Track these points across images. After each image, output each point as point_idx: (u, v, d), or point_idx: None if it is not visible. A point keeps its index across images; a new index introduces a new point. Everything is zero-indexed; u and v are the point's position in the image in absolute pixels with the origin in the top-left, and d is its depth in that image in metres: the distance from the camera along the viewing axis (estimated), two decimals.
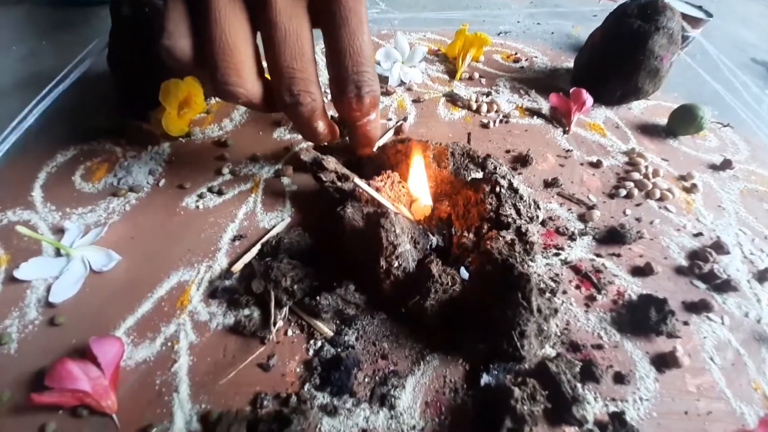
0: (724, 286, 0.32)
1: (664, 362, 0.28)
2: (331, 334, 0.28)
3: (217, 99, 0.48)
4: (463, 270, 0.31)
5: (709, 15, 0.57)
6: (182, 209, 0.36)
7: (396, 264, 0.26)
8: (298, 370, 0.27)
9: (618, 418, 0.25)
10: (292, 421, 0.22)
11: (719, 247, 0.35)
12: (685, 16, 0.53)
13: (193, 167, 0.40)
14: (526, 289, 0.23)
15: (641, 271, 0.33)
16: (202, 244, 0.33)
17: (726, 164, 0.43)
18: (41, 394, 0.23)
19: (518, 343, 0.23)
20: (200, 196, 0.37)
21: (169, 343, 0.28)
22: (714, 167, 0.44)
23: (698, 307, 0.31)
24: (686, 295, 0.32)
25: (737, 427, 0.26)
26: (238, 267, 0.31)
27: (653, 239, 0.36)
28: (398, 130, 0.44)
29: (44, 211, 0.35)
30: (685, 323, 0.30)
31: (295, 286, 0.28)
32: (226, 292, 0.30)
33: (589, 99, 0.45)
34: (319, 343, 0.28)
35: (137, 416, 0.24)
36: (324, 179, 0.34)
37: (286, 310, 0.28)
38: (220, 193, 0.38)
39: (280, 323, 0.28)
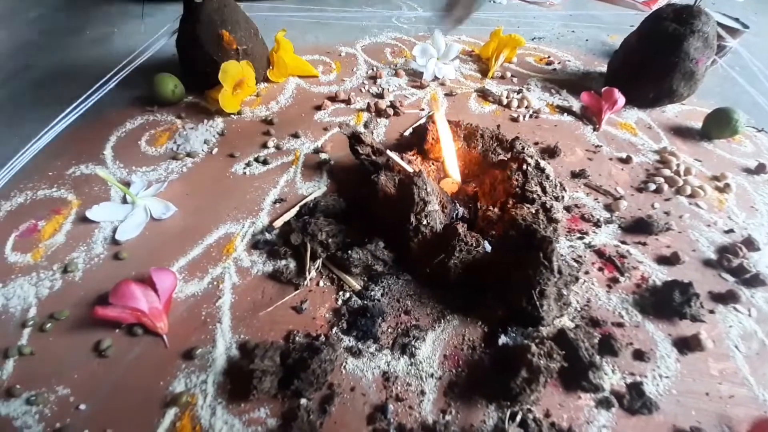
0: (753, 280, 0.32)
1: (686, 345, 0.28)
2: (359, 287, 0.30)
3: (267, 84, 0.52)
4: (486, 243, 0.32)
5: (746, 26, 0.57)
6: (231, 174, 0.40)
7: (425, 222, 0.28)
8: (327, 315, 0.29)
9: (636, 388, 0.25)
10: (322, 350, 0.24)
11: (750, 243, 0.34)
12: (721, 26, 0.53)
13: (242, 140, 0.44)
14: (548, 250, 0.24)
15: (667, 260, 0.33)
16: (247, 203, 0.37)
17: (761, 168, 0.42)
18: (104, 307, 0.27)
19: (538, 302, 0.25)
20: (247, 165, 0.41)
21: (215, 282, 0.31)
22: (748, 171, 0.43)
23: (725, 298, 0.31)
24: (713, 286, 0.32)
25: (760, 413, 0.25)
26: (278, 223, 0.34)
27: (681, 232, 0.36)
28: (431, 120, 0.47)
29: (114, 167, 0.40)
30: (711, 311, 0.30)
31: (330, 240, 0.30)
32: (267, 245, 0.33)
33: (621, 98, 0.46)
34: (347, 295, 0.30)
35: (184, 339, 0.27)
36: (360, 152, 0.36)
37: (319, 262, 0.31)
38: (265, 162, 0.41)
39: (313, 273, 0.31)
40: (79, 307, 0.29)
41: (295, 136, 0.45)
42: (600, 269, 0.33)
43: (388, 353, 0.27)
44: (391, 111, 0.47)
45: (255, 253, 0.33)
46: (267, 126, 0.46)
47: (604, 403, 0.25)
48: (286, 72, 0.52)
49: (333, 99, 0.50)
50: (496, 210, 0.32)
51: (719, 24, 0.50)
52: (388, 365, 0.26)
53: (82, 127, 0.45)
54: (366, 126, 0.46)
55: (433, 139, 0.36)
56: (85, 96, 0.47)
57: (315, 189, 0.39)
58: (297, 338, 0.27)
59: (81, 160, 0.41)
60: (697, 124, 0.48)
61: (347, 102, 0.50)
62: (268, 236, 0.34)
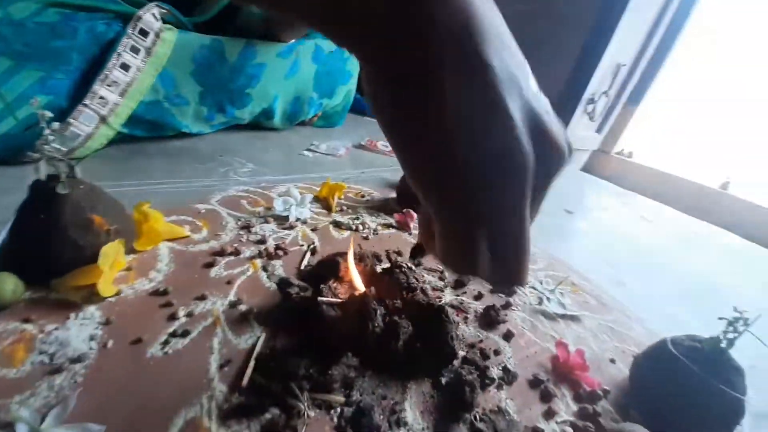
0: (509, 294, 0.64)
1: (507, 336, 0.52)
2: (343, 399, 0.37)
3: (135, 255, 0.50)
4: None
5: None
6: (150, 359, 0.37)
7: (375, 324, 0.40)
8: None
9: (504, 370, 0.46)
10: None
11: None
12: None
13: (140, 320, 0.41)
14: (446, 312, 0.43)
15: (478, 297, 0.60)
16: (192, 380, 0.36)
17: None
18: None
19: (451, 344, 0.42)
20: (165, 343, 0.39)
21: None
22: None
23: (507, 306, 0.60)
24: (499, 302, 0.61)
25: (553, 354, 0.51)
26: (245, 381, 0.36)
27: (472, 279, 0.65)
28: (313, 252, 0.60)
29: None
30: (506, 315, 0.57)
31: (311, 370, 0.36)
32: (242, 407, 0.34)
33: (413, 215, 0.77)
34: (338, 410, 0.36)
35: None
36: (291, 293, 0.45)
37: (307, 395, 0.36)
38: (184, 334, 0.40)
39: (309, 411, 0.35)
40: None
41: (202, 298, 0.46)
42: (457, 315, 0.55)
43: None
44: (280, 252, 0.57)
45: (232, 422, 0.33)
46: (162, 297, 0.44)
47: (500, 386, 0.43)
48: (157, 239, 0.52)
49: (221, 254, 0.54)
50: (398, 302, 0.48)
51: None
52: None
53: None
54: (265, 269, 0.54)
55: (344, 267, 0.50)
56: None
57: (254, 338, 0.42)
58: None
59: None
60: None
61: (236, 253, 0.55)
62: (238, 399, 0.34)
